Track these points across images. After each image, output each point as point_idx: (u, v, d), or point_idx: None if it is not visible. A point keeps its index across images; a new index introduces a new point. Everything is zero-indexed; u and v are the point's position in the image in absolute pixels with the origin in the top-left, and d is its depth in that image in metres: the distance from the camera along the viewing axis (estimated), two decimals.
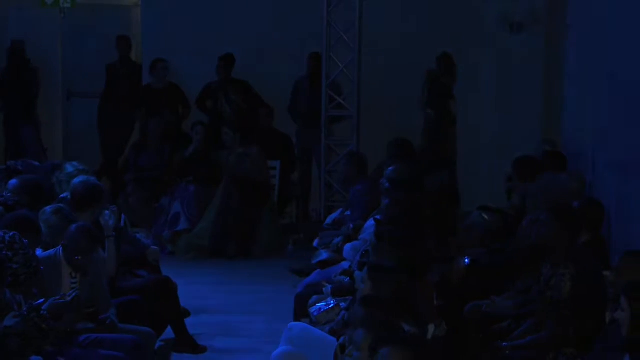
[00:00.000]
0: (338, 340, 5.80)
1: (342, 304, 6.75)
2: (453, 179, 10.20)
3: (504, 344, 6.15)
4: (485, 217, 7.27)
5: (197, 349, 7.79)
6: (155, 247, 8.31)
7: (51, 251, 6.52)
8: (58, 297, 5.92)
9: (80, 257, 6.38)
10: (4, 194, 7.50)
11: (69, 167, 8.11)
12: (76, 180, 7.48)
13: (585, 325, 5.83)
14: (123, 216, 7.97)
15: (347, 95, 11.71)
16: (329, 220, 10.10)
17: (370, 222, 8.22)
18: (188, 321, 7.90)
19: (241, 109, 11.76)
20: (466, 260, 6.89)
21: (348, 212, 9.58)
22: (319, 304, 6.94)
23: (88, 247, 6.44)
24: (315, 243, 9.23)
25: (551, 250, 6.20)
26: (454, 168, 11.01)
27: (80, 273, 6.41)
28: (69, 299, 5.92)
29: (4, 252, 5.76)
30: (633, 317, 4.78)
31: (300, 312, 7.45)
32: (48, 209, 6.95)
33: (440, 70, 11.29)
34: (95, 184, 7.40)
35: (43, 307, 5.63)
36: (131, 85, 12.33)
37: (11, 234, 5.92)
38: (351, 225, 8.91)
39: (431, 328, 5.96)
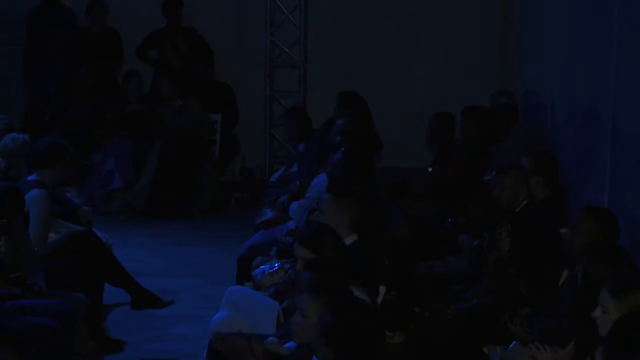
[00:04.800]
0: (281, 304, 5.82)
1: (288, 266, 6.76)
2: None
3: (452, 307, 6.24)
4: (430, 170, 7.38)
5: (158, 302, 7.82)
6: (87, 208, 8.25)
7: None
8: None
9: (5, 220, 6.31)
10: None
11: None
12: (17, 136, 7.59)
13: (539, 284, 5.92)
14: None
15: (293, 44, 11.66)
16: (273, 177, 10.09)
17: (318, 179, 8.22)
18: None
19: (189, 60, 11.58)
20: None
21: (294, 169, 9.58)
22: (263, 266, 6.95)
23: (14, 208, 6.37)
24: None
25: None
26: None
27: (5, 236, 6.34)
28: None
29: None
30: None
31: (244, 274, 7.45)
32: None
33: None
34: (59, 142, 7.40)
35: None
36: (62, 32, 12.01)
37: None
38: (297, 182, 8.91)
39: (382, 290, 6.00)
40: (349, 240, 5.96)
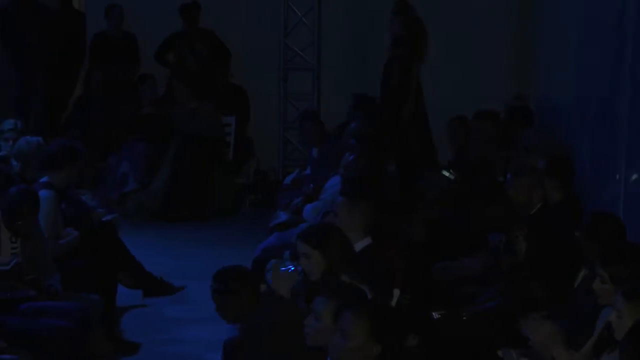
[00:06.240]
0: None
1: (300, 268, 6.76)
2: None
3: (467, 310, 6.24)
4: (447, 175, 7.36)
5: (167, 289, 7.89)
6: (102, 210, 8.28)
7: None
8: None
9: (20, 222, 6.34)
10: None
11: (7, 125, 8.13)
12: (31, 139, 7.65)
13: (555, 287, 5.92)
14: None
15: (307, 46, 11.67)
16: (287, 180, 10.11)
17: (332, 182, 8.23)
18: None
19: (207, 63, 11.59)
20: None
21: (307, 171, 9.60)
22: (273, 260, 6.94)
23: (29, 210, 6.40)
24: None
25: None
26: None
27: (21, 238, 6.38)
28: (7, 267, 5.89)
29: None
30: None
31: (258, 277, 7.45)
32: None
33: None
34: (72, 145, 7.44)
35: None
36: (73, 36, 12.04)
37: None
38: (311, 185, 8.92)
39: (396, 293, 6.00)
40: (363, 243, 5.96)
